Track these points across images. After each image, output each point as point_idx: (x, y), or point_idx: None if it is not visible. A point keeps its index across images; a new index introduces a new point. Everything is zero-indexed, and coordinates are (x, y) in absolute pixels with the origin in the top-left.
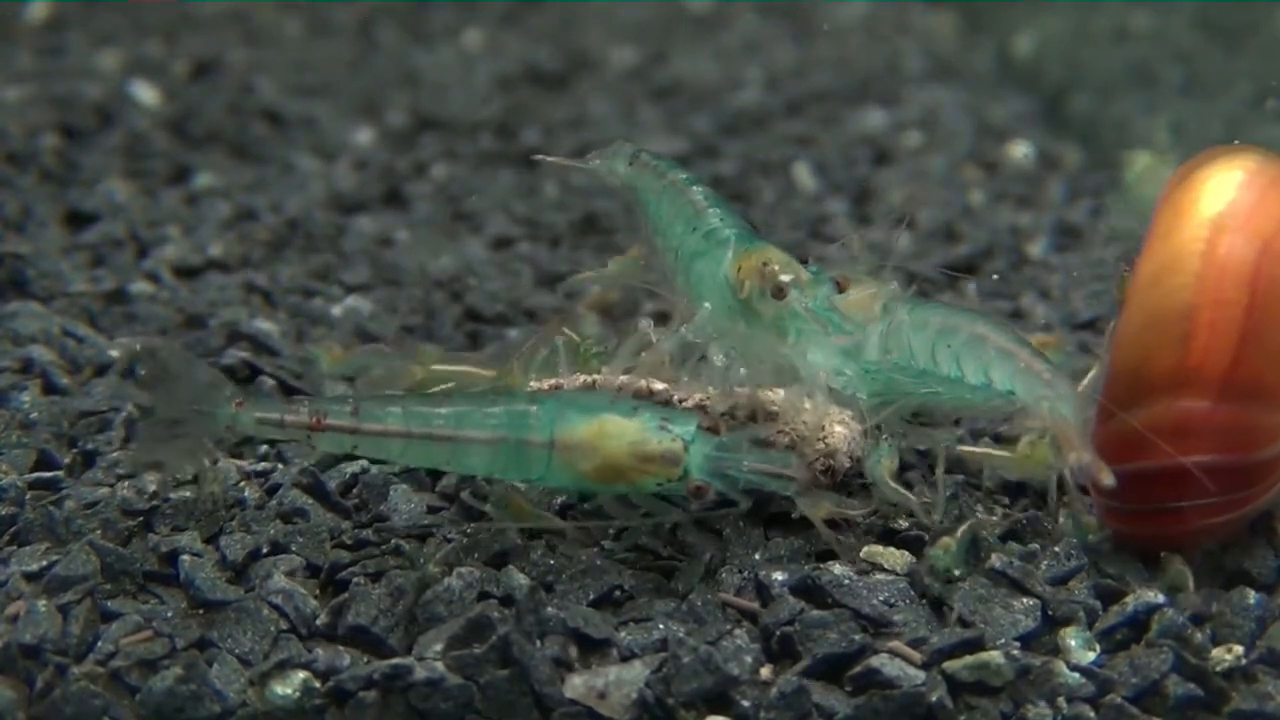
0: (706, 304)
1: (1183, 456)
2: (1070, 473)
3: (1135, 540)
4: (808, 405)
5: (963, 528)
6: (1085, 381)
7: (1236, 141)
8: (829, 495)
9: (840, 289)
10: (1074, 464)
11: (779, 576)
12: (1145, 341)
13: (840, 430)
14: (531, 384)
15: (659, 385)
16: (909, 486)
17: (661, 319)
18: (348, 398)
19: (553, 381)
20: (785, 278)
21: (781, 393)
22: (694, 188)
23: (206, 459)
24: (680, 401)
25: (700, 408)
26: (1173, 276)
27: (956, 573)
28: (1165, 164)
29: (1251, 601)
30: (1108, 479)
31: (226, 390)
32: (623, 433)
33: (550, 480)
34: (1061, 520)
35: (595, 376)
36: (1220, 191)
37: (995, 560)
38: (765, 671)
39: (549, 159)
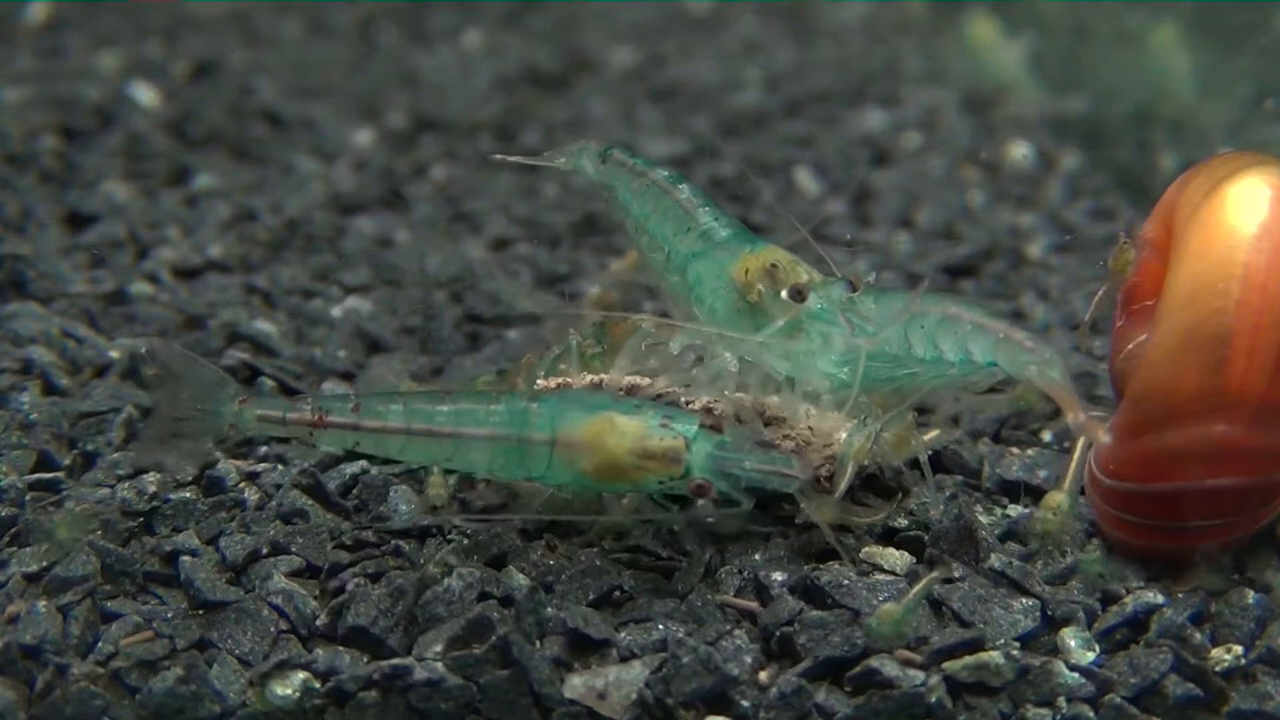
0: (711, 306)
1: (1210, 479)
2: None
3: (1140, 551)
4: (813, 409)
5: (924, 579)
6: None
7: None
8: (833, 500)
9: (854, 289)
10: (1071, 424)
11: (778, 577)
12: (1180, 363)
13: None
14: (538, 383)
15: (663, 385)
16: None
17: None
18: (349, 395)
19: (559, 380)
20: (803, 280)
21: (787, 396)
22: (679, 186)
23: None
24: (687, 403)
25: (707, 410)
26: (1210, 299)
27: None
28: (1000, 38)
29: (1250, 601)
30: (1104, 437)
31: (230, 388)
32: (624, 430)
33: (551, 479)
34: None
35: (603, 376)
36: (1252, 210)
37: (995, 560)
38: (764, 672)
39: (509, 159)
